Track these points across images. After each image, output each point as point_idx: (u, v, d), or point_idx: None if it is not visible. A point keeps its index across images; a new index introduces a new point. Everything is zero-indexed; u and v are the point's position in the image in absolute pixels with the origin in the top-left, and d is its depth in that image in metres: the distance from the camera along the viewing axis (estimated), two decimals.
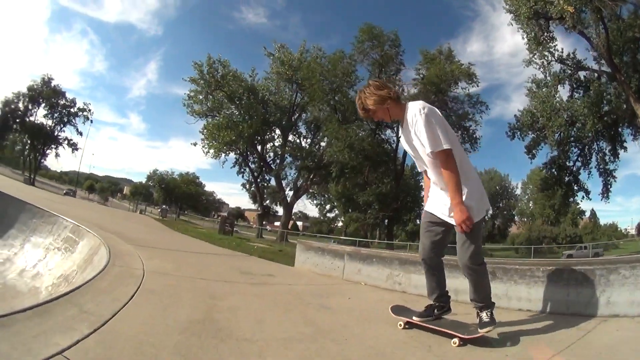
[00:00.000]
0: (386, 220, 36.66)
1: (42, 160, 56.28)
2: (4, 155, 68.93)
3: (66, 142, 52.35)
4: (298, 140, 40.04)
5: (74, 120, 52.22)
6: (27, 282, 5.75)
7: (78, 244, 6.29)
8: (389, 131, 35.17)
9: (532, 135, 28.98)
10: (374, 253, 5.95)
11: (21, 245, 7.25)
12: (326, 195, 52.89)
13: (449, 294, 3.21)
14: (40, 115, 50.28)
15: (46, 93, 49.53)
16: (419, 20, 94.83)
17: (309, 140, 40.14)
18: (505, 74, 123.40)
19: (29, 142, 51.57)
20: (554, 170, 29.94)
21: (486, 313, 2.88)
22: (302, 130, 40.20)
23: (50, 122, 51.16)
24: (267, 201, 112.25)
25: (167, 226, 17.56)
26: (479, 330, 2.77)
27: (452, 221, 2.86)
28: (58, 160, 55.11)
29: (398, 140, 33.94)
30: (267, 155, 41.26)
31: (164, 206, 55.62)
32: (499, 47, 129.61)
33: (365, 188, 35.31)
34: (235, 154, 39.91)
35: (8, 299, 5.02)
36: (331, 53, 34.36)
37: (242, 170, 43.08)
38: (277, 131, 38.66)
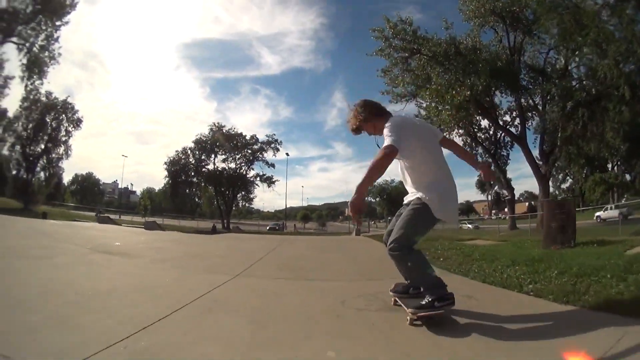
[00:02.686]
0: None
1: (240, 205, 57.33)
2: (203, 211, 74.07)
3: (258, 178, 51.47)
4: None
5: (261, 156, 50.95)
6: None
7: None
8: None
9: None
10: None
11: None
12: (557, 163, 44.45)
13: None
14: (219, 162, 50.41)
15: (220, 139, 49.22)
16: None
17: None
18: None
19: (212, 189, 51.78)
20: None
21: (428, 297, 2.99)
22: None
23: (232, 165, 50.42)
24: (496, 187, 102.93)
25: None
26: (409, 309, 3.01)
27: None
28: (251, 199, 54.92)
29: None
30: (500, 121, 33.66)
31: (389, 218, 53.12)
32: None
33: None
34: (460, 128, 34.08)
35: None
36: None
37: (474, 150, 37.56)
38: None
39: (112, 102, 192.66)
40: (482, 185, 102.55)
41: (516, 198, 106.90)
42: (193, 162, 50.14)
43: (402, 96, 31.40)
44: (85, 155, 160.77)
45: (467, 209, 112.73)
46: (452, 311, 3.18)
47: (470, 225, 51.06)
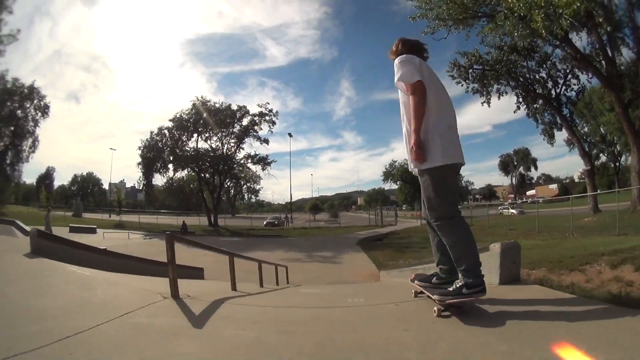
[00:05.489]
0: None
1: (245, 197, 48.75)
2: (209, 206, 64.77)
3: (249, 160, 40.58)
4: None
5: (252, 131, 39.63)
6: None
7: None
8: None
9: None
10: None
11: None
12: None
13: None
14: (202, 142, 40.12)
15: (203, 113, 38.18)
16: None
17: None
18: None
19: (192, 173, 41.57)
20: None
21: (457, 282, 2.60)
22: None
23: (218, 144, 39.66)
24: (521, 168, 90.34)
25: None
26: (435, 296, 2.62)
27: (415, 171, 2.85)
28: (257, 190, 49.04)
29: None
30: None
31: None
32: None
33: None
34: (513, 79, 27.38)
35: None
36: None
37: (531, 107, 29.16)
38: None
39: (118, 103, 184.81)
40: (505, 167, 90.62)
41: (534, 180, 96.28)
42: (170, 143, 38.74)
43: (443, 20, 21.80)
44: (93, 158, 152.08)
45: (490, 193, 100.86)
46: None
47: (514, 211, 39.62)
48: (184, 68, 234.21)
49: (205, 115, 37.70)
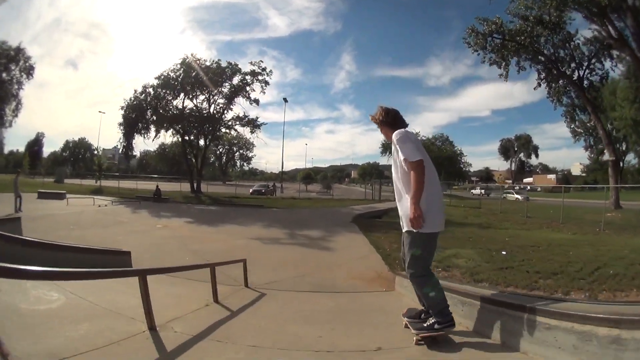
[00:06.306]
0: None
1: (238, 165, 45.71)
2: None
3: (237, 122, 36.77)
4: None
5: (242, 92, 35.56)
6: None
7: None
8: None
9: None
10: None
11: None
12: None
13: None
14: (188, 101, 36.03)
15: (185, 70, 34.08)
16: None
17: None
18: None
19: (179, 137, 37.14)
20: None
21: (431, 320, 3.21)
22: None
23: (205, 104, 35.73)
24: (521, 154, 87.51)
25: None
26: (413, 330, 3.25)
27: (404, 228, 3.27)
28: (249, 158, 46.59)
29: None
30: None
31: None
32: None
33: None
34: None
35: None
36: None
37: (552, 86, 27.50)
38: None
39: (116, 69, 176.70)
40: (505, 152, 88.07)
41: (531, 168, 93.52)
42: (154, 102, 34.79)
43: None
44: (88, 124, 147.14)
45: (487, 176, 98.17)
46: None
47: (519, 196, 36.70)
48: (184, 35, 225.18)
49: (194, 73, 34.04)
